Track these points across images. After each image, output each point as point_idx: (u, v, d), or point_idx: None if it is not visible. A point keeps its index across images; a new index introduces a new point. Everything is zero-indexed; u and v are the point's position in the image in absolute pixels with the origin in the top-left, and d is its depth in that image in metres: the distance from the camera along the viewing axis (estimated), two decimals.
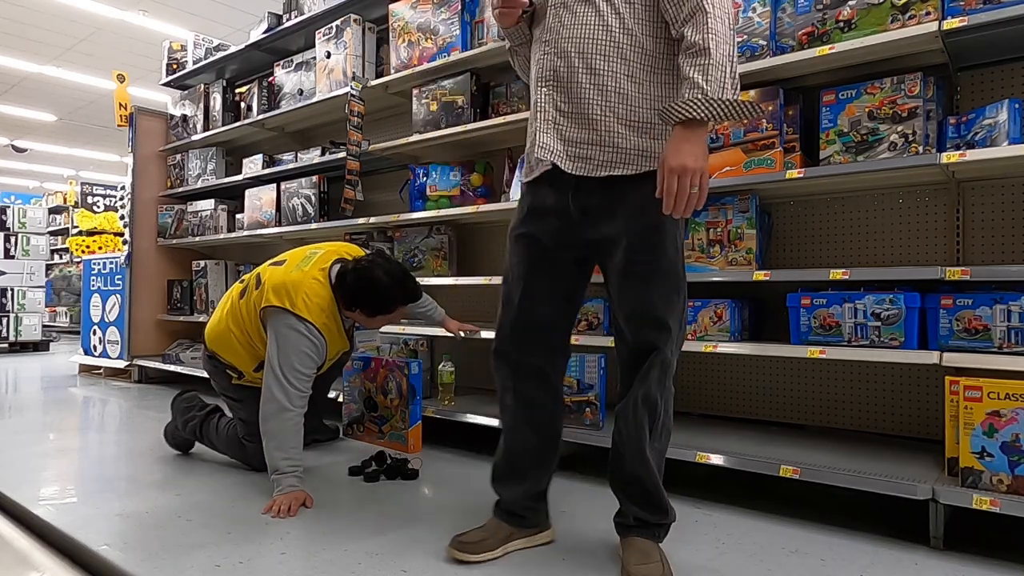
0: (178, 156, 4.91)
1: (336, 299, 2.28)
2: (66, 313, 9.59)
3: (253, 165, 4.13)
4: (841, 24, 2.11)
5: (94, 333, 5.15)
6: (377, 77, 3.51)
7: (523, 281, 1.65)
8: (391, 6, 3.33)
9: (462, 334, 2.75)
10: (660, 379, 1.52)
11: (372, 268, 2.24)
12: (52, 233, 10.95)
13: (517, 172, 2.86)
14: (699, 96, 1.33)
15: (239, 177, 4.23)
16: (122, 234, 5.06)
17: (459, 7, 3.07)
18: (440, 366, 2.95)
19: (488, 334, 2.77)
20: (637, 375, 1.54)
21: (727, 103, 1.34)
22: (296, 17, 3.85)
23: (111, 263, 5.02)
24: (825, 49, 2.07)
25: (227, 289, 2.59)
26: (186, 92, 4.84)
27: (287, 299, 2.19)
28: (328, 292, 2.26)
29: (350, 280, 2.24)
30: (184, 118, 4.80)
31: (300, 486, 2.07)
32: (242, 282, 2.46)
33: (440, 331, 2.81)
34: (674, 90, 1.50)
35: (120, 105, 4.96)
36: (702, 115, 1.33)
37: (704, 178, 1.35)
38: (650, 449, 1.54)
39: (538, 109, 1.58)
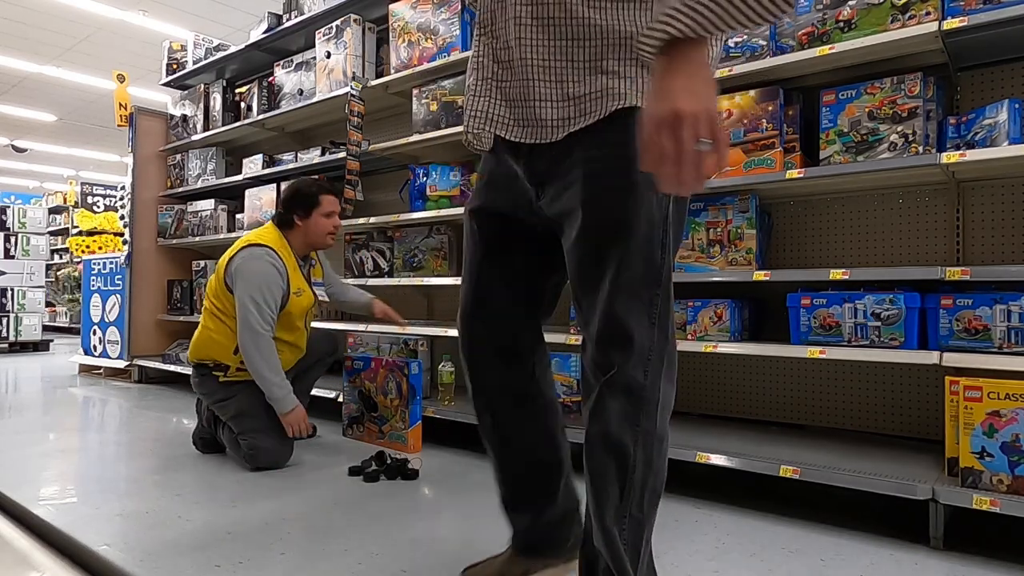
0: (178, 156, 4.91)
1: (282, 234, 2.67)
2: (66, 313, 9.59)
3: (253, 165, 4.13)
4: (841, 24, 2.11)
5: (94, 333, 5.15)
6: (377, 77, 3.51)
7: (476, 271, 1.30)
8: (391, 6, 3.33)
9: (389, 320, 2.99)
10: (626, 413, 1.09)
11: (292, 182, 2.79)
12: (52, 233, 10.95)
13: None
14: (679, 3, 0.84)
15: (239, 177, 4.23)
16: (122, 234, 5.06)
17: (459, 7, 3.07)
18: (440, 366, 2.95)
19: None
20: (587, 404, 1.14)
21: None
22: (296, 17, 3.85)
23: (111, 263, 5.02)
24: (825, 49, 2.07)
25: None
26: (186, 92, 4.84)
27: (243, 242, 2.61)
28: (275, 230, 2.68)
29: (281, 200, 2.73)
30: (184, 118, 4.80)
31: (296, 401, 2.50)
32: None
33: (439, 331, 2.81)
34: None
35: (120, 105, 4.96)
36: (687, 25, 0.83)
37: (714, 125, 0.84)
38: (615, 515, 1.09)
39: (474, 67, 1.21)
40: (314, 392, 3.04)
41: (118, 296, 4.87)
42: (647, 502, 1.11)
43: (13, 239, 7.22)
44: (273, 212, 3.96)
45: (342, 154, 3.48)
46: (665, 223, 1.11)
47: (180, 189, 4.80)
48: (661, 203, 1.10)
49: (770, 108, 2.21)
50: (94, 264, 5.22)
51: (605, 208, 1.09)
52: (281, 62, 4.04)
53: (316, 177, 2.85)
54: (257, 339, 2.44)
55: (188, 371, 4.23)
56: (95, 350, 5.13)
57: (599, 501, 1.10)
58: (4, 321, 7.02)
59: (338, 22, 3.56)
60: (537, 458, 1.36)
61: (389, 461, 2.45)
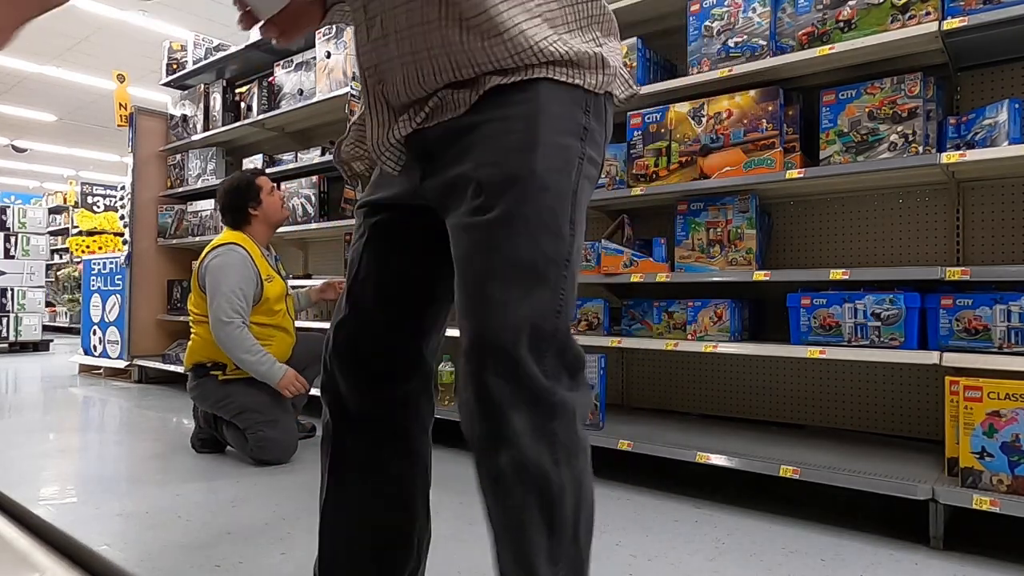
0: (178, 156, 4.90)
1: (241, 232, 2.75)
2: (66, 313, 9.59)
3: (253, 165, 4.13)
4: (841, 24, 2.11)
5: (94, 333, 5.15)
6: None
7: (360, 272, 1.06)
8: None
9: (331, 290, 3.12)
10: (536, 427, 0.82)
11: (222, 186, 2.82)
12: (52, 233, 10.95)
13: None
14: None
15: None
16: (122, 234, 5.06)
17: None
18: (440, 366, 2.94)
19: None
20: (481, 427, 0.84)
21: None
22: None
23: (111, 263, 5.02)
24: (825, 49, 2.07)
25: None
26: (186, 92, 4.84)
27: (207, 249, 2.67)
28: (232, 231, 2.77)
29: (227, 204, 2.77)
30: (184, 118, 4.80)
31: (284, 367, 2.57)
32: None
33: None
34: None
35: (120, 105, 4.96)
36: None
37: None
38: (547, 560, 0.83)
39: (361, 68, 1.01)
40: (314, 392, 3.04)
41: (118, 296, 4.87)
42: (583, 532, 0.87)
43: (13, 239, 7.23)
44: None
45: None
46: (574, 196, 0.91)
47: (180, 189, 4.80)
48: (570, 173, 0.91)
49: (770, 108, 2.21)
50: (94, 264, 5.23)
51: (503, 169, 0.87)
52: (281, 62, 4.04)
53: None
54: (226, 327, 2.50)
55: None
56: (95, 350, 5.13)
57: (523, 548, 0.83)
58: (4, 321, 7.02)
59: None
60: (376, 537, 1.10)
61: None
